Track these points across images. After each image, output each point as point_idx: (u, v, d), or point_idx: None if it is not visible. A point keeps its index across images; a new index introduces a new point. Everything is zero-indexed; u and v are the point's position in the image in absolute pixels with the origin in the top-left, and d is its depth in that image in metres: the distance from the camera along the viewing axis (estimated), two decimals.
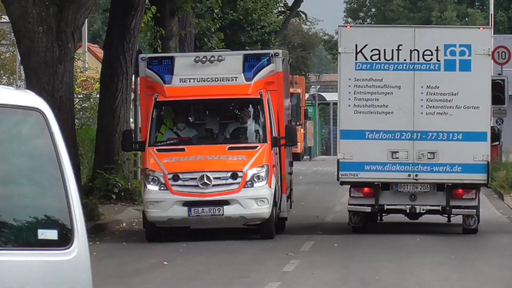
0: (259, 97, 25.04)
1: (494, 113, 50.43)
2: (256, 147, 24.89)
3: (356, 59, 34.45)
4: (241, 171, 23.97)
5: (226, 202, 23.79)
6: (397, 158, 33.62)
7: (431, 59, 34.29)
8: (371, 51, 34.68)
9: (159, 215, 23.81)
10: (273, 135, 25.44)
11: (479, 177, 33.66)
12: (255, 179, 24.09)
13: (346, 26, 49.89)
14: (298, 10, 71.08)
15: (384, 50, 34.65)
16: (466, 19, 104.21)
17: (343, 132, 34.28)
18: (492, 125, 36.81)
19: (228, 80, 24.93)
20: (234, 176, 23.96)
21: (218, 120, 25.86)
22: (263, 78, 25.49)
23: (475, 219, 32.96)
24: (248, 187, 24.05)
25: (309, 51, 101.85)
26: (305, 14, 79.31)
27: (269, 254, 26.07)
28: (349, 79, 34.52)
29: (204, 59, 24.90)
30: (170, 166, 23.85)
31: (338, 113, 38.67)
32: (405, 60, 34.27)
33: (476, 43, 34.76)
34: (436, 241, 32.54)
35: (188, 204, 23.74)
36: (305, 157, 79.09)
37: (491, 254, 28.66)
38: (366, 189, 33.51)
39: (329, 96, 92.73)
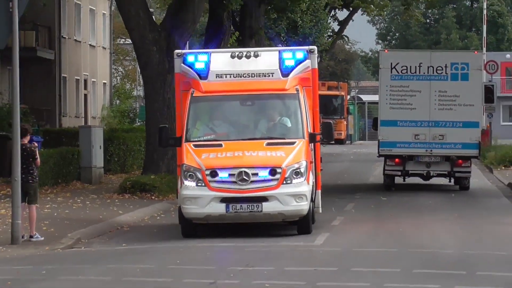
0: (295, 92, 20.24)
1: (486, 109, 54.67)
2: (294, 143, 19.75)
3: (391, 73, 38.72)
4: (280, 167, 19.02)
5: (265, 199, 18.89)
6: (418, 139, 37.57)
7: (442, 72, 38.21)
8: (401, 67, 38.73)
9: (196, 212, 18.94)
10: (310, 131, 20.37)
11: (473, 152, 37.50)
12: (293, 175, 19.15)
13: (384, 50, 55.27)
14: (342, 34, 71.29)
15: (410, 66, 38.59)
16: (466, 40, 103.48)
17: (382, 122, 38.33)
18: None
19: (265, 76, 20.21)
20: (273, 172, 19.02)
21: (255, 116, 20.98)
22: (299, 74, 20.56)
23: (468, 180, 37.25)
24: (287, 183, 19.05)
25: (350, 64, 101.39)
26: (347, 37, 78.68)
27: (319, 213, 24.48)
28: (386, 86, 38.96)
29: (240, 55, 20.37)
30: (208, 161, 19.07)
31: (378, 109, 41.86)
32: (424, 73, 38.23)
33: (472, 62, 38.98)
34: (443, 203, 32.33)
35: (226, 200, 18.82)
36: (347, 141, 77.43)
37: (484, 212, 28.50)
38: (397, 160, 37.36)
39: (365, 97, 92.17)
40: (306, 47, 20.95)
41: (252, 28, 48.76)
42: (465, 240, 21.77)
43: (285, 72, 19.81)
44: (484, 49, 75.88)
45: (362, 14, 66.84)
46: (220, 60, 20.27)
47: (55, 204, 24.96)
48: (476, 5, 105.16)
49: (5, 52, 30.07)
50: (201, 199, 18.40)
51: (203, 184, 18.55)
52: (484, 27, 77.97)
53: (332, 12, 64.86)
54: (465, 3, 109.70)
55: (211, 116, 20.72)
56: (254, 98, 20.24)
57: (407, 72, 38.24)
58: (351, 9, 62.69)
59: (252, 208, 18.50)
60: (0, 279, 13.98)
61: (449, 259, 18.26)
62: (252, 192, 18.53)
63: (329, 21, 65.79)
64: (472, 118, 37.77)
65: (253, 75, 19.83)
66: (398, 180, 38.03)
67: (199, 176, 18.56)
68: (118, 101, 66.91)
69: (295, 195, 18.70)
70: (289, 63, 19.93)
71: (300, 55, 20.24)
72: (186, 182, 18.72)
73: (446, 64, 37.82)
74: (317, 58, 21.91)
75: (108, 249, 18.37)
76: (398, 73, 38.24)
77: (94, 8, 56.77)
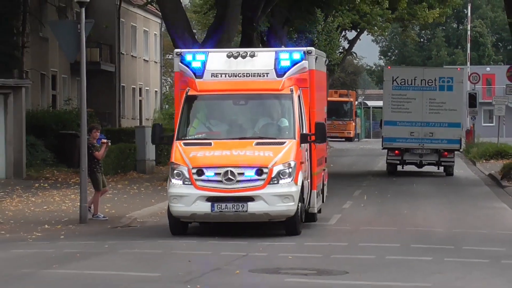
0: (289, 93, 16.83)
1: (470, 112, 56.88)
2: (284, 143, 16.32)
3: (392, 84, 40.49)
4: (267, 167, 15.72)
5: (250, 199, 15.66)
6: (413, 135, 38.91)
7: (432, 84, 40.10)
8: (400, 80, 40.60)
9: (182, 210, 15.83)
10: (302, 132, 16.89)
11: (455, 146, 39.32)
12: (281, 175, 15.78)
13: (388, 67, 57.72)
14: (351, 51, 71.29)
15: (407, 79, 40.55)
16: (453, 56, 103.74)
17: (385, 122, 40.53)
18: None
19: (260, 76, 16.92)
20: (259, 172, 15.74)
21: (248, 115, 17.57)
22: (295, 74, 17.14)
23: (452, 168, 38.86)
24: (273, 183, 15.73)
25: (357, 76, 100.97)
26: (355, 53, 78.71)
27: (332, 198, 24.64)
28: (389, 94, 40.80)
29: (236, 55, 17.20)
30: (195, 160, 15.93)
31: (382, 112, 44.32)
32: (418, 85, 40.16)
33: (456, 76, 40.92)
34: (434, 191, 31.89)
35: (212, 199, 15.66)
36: (355, 139, 76.95)
37: (469, 199, 28.10)
38: (396, 151, 39.15)
39: (370, 103, 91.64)
40: (304, 48, 17.57)
41: (276, 46, 46.17)
42: (452, 221, 21.64)
43: (280, 72, 16.65)
44: (468, 63, 76.74)
45: (367, 34, 67.04)
46: (217, 60, 17.19)
47: (115, 190, 25.01)
48: (461, 27, 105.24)
49: (74, 65, 30.25)
50: (187, 197, 15.43)
51: (189, 183, 15.53)
52: (468, 45, 78.28)
53: (343, 33, 64.76)
54: (452, 25, 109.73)
55: (204, 115, 17.42)
56: (247, 97, 17.02)
57: (405, 84, 40.73)
58: (358, 30, 62.85)
59: (237, 208, 15.36)
60: (70, 252, 14.02)
61: (439, 236, 18.13)
62: (238, 191, 15.42)
63: (340, 40, 65.41)
64: (455, 120, 40.10)
65: (248, 74, 16.75)
66: (398, 168, 40.14)
67: (186, 174, 15.56)
68: (167, 106, 67.13)
69: (281, 196, 15.48)
70: (285, 63, 16.82)
71: (296, 55, 17.02)
72: (173, 181, 15.76)
73: (435, 78, 40.38)
74: (315, 58, 17.81)
75: (159, 227, 18.25)
76: (398, 84, 40.68)
77: (147, 30, 57.10)
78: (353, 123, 76.41)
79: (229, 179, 15.16)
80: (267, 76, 16.40)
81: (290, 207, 15.35)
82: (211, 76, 16.50)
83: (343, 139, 73.02)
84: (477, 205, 25.46)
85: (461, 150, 44.45)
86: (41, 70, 38.63)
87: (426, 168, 39.35)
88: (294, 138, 16.01)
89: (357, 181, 34.67)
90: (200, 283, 10.91)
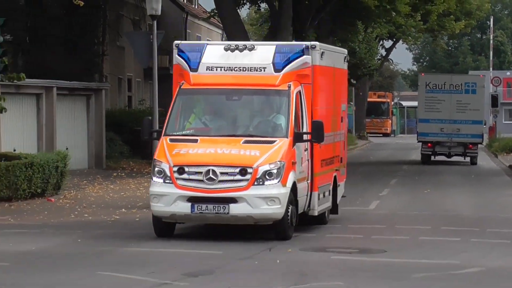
0: (286, 89, 13.61)
1: (492, 112, 55.83)
2: (274, 141, 13.17)
3: (426, 88, 41.30)
4: (251, 167, 12.64)
5: (233, 200, 12.62)
6: (443, 131, 39.34)
7: (458, 88, 40.75)
8: (432, 84, 41.56)
9: (162, 210, 12.81)
10: (297, 130, 13.58)
11: (478, 140, 40.28)
12: (267, 176, 12.68)
13: (421, 74, 55.49)
14: (388, 58, 70.93)
15: (438, 84, 41.57)
16: (477, 62, 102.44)
17: (420, 120, 41.63)
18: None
19: (257, 70, 13.71)
20: (243, 172, 12.66)
21: (241, 112, 14.35)
22: (294, 70, 13.88)
23: (476, 158, 39.29)
24: (258, 184, 12.67)
25: (393, 80, 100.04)
26: (392, 60, 78.32)
27: (371, 187, 25.02)
28: (422, 97, 41.56)
29: (233, 48, 13.94)
30: (177, 158, 12.93)
31: (417, 112, 46.24)
32: (447, 89, 41.04)
33: (478, 82, 41.38)
34: (461, 180, 31.21)
35: (192, 200, 12.65)
36: (392, 135, 76.32)
37: (491, 187, 27.60)
38: (429, 144, 39.64)
39: (404, 103, 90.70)
40: (307, 43, 14.42)
41: None
42: (477, 206, 21.40)
43: (278, 67, 13.54)
44: (491, 68, 75.64)
45: (402, 43, 66.46)
46: (213, 53, 14.01)
47: None
48: (484, 36, 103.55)
49: (147, 70, 30.57)
50: (167, 197, 12.55)
51: (170, 182, 12.61)
52: (491, 52, 77.04)
53: (381, 42, 64.25)
54: (477, 35, 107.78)
55: (195, 110, 14.33)
56: (241, 93, 13.88)
57: (436, 88, 41.54)
58: (394, 39, 62.11)
59: (218, 209, 12.41)
60: (144, 232, 13.69)
61: (466, 220, 17.95)
62: (220, 192, 12.46)
63: (378, 48, 64.94)
64: (478, 118, 40.84)
65: (244, 69, 13.62)
66: (431, 159, 40.80)
67: (167, 172, 12.62)
68: None
69: (266, 198, 12.45)
70: (284, 58, 13.70)
71: (296, 50, 13.91)
72: (154, 178, 12.87)
73: (461, 83, 41.01)
74: (321, 54, 14.35)
75: None
76: (430, 88, 41.40)
77: (210, 39, 57.58)
78: (390, 121, 75.88)
79: (210, 179, 12.21)
80: (264, 70, 13.38)
81: (276, 210, 12.28)
82: (206, 70, 13.53)
83: (381, 135, 72.87)
84: (499, 193, 25.07)
85: (483, 143, 45.01)
86: (118, 75, 39.10)
87: (454, 159, 40.13)
88: (287, 137, 12.94)
89: (393, 171, 34.04)
90: (257, 260, 10.88)
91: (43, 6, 32.01)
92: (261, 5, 46.78)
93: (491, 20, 77.63)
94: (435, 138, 39.24)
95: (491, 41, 78.71)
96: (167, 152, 12.60)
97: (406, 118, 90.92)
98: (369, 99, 72.12)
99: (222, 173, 12.14)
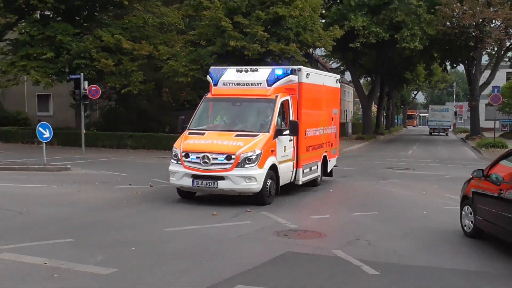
0: (274, 98, 14.29)
1: (454, 118, 69.88)
2: (257, 135, 13.68)
3: (431, 108, 63.14)
4: (234, 154, 13.10)
5: (221, 178, 13.11)
6: (437, 124, 60.67)
7: (443, 109, 61.48)
8: (433, 107, 62.39)
9: (175, 182, 13.71)
10: (278, 128, 14.08)
11: (448, 127, 55.59)
12: (246, 161, 13.11)
13: (430, 106, 68.10)
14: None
15: (436, 108, 61.23)
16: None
17: (429, 121, 58.33)
18: None
19: (255, 85, 14.46)
20: (228, 158, 13.10)
21: (241, 114, 14.65)
22: (283, 85, 14.70)
23: (448, 134, 46.79)
24: (239, 167, 13.07)
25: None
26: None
27: (400, 151, 29.84)
28: (430, 112, 58.06)
29: (241, 70, 14.95)
30: (185, 146, 13.64)
31: (428, 118, 66.26)
32: (438, 109, 61.21)
33: (450, 107, 57.99)
34: (441, 142, 42.40)
35: (193, 176, 13.37)
36: (416, 126, 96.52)
37: (452, 144, 38.02)
38: (431, 129, 61.57)
39: (422, 114, 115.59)
40: (294, 67, 15.31)
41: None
42: (449, 153, 29.15)
43: (270, 83, 14.48)
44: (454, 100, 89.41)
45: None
46: (230, 73, 15.11)
47: None
48: None
49: None
50: (177, 173, 13.64)
51: (180, 163, 13.62)
52: None
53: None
54: None
55: (210, 112, 15.07)
56: (242, 100, 14.63)
57: (434, 109, 62.93)
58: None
59: (210, 184, 13.24)
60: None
61: (444, 157, 25.92)
62: (211, 172, 13.18)
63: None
64: (448, 119, 59.91)
65: (247, 84, 14.59)
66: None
67: (179, 156, 13.65)
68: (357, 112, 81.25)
69: (245, 177, 13.08)
70: (274, 76, 14.57)
71: (284, 71, 14.80)
72: (172, 160, 13.93)
73: (443, 108, 61.38)
74: (307, 75, 15.44)
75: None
76: (432, 109, 63.17)
77: None
78: (416, 120, 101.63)
79: (205, 162, 13.23)
80: (260, 85, 14.52)
81: (252, 186, 13.19)
82: (223, 85, 14.93)
83: (413, 126, 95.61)
84: (456, 147, 35.27)
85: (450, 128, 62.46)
86: None
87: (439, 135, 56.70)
88: (268, 132, 13.80)
89: (411, 144, 41.06)
90: (238, 215, 11.90)
91: None
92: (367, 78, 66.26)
93: None
94: (434, 127, 61.97)
95: None
96: (182, 141, 13.88)
97: (422, 120, 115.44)
98: (409, 112, 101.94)
99: (213, 158, 13.15)
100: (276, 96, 14.33)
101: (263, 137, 13.57)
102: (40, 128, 19.82)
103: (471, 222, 9.83)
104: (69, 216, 11.15)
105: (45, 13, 31.42)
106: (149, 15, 31.58)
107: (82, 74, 24.72)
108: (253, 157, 13.13)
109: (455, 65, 51.22)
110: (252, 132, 13.78)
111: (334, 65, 55.65)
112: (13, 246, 8.51)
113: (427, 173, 20.67)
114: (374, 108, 62.94)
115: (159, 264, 7.73)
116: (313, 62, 36.35)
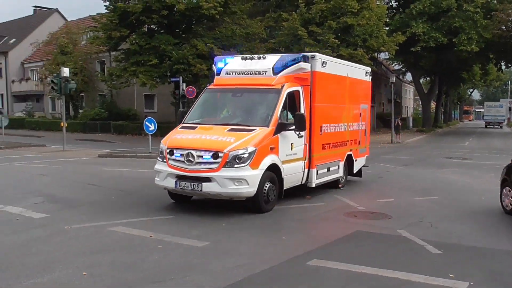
0: (279, 88, 10.68)
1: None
2: (253, 130, 10.00)
3: (486, 104, 60.99)
4: (222, 152, 9.44)
5: (206, 179, 9.51)
6: (492, 118, 58.36)
7: (498, 105, 60.31)
8: (488, 104, 61.00)
9: (159, 184, 10.17)
10: (282, 122, 10.35)
11: (503, 121, 55.30)
12: (236, 160, 9.44)
13: (485, 102, 66.14)
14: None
15: (491, 104, 60.11)
16: None
17: (484, 115, 54.12)
18: None
19: (260, 74, 10.94)
20: (215, 156, 9.46)
21: (241, 105, 10.94)
22: (291, 73, 11.04)
23: (502, 127, 45.20)
24: (227, 167, 9.42)
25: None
26: None
27: (455, 143, 29.04)
28: (485, 108, 57.88)
29: (247, 57, 11.45)
30: (171, 141, 10.15)
31: (484, 113, 61.80)
32: (492, 105, 60.97)
33: (504, 103, 57.69)
34: (497, 135, 40.91)
35: (177, 177, 9.82)
36: (472, 120, 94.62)
37: (507, 136, 38.77)
38: (486, 122, 59.61)
39: (477, 110, 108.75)
40: (308, 54, 11.63)
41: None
42: (507, 144, 28.41)
43: (276, 71, 10.93)
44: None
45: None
46: (234, 62, 11.62)
47: None
48: None
49: None
50: (162, 173, 10.15)
51: (164, 161, 10.15)
52: None
53: None
54: None
55: (209, 104, 11.48)
56: (244, 91, 11.02)
57: (489, 106, 61.77)
58: None
59: (194, 187, 9.66)
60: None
61: (500, 148, 25.43)
62: (195, 172, 9.62)
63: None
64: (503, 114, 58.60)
65: (251, 72, 11.11)
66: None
67: (164, 153, 10.17)
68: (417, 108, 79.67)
69: (233, 179, 9.46)
70: (281, 64, 11.03)
71: (293, 58, 11.25)
72: (158, 158, 10.48)
73: (497, 104, 60.61)
74: (323, 63, 11.70)
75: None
76: (488, 105, 61.48)
77: None
78: (472, 115, 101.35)
79: (189, 161, 9.73)
80: (265, 74, 10.99)
81: (243, 189, 9.56)
82: (226, 74, 11.50)
83: (469, 120, 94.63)
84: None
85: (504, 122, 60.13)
86: None
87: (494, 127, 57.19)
88: (268, 126, 10.17)
89: (467, 137, 40.03)
90: (224, 223, 8.94)
91: None
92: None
93: None
94: (489, 120, 61.79)
95: None
96: (170, 136, 10.51)
97: (478, 115, 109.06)
98: (465, 108, 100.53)
99: (198, 156, 9.66)
100: (282, 86, 10.82)
101: (259, 132, 10.00)
102: (146, 122, 20.12)
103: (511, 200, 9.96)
104: (169, 197, 10.93)
105: (151, 27, 32.71)
106: (236, 27, 32.11)
107: (181, 77, 25.21)
108: (245, 155, 9.58)
109: (510, 65, 50.01)
110: (248, 126, 10.22)
111: (397, 67, 55.20)
112: (125, 221, 8.70)
113: (483, 163, 20.18)
114: (433, 104, 61.82)
115: (247, 238, 7.73)
116: (378, 65, 37.28)
